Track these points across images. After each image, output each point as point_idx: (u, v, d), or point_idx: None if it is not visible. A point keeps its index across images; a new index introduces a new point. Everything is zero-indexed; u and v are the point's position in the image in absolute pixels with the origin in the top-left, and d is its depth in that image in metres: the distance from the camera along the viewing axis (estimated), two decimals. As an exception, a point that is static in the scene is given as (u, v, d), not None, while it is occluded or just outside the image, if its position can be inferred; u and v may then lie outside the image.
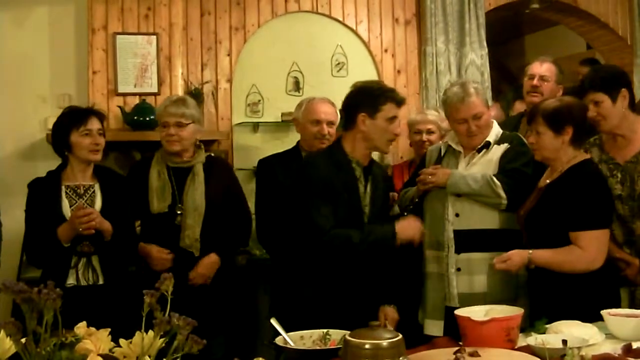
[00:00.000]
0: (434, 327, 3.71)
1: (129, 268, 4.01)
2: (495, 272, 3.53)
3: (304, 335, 2.84)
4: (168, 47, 5.35)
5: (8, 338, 1.32)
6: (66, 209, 3.80)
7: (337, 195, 3.54)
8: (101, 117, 3.93)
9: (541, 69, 4.71)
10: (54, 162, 4.95)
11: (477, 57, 5.95)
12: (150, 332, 1.49)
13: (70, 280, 3.75)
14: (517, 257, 3.33)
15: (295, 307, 3.56)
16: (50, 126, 5.09)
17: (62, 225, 3.72)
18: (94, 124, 3.85)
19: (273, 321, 2.85)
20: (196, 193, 4.03)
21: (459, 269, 3.70)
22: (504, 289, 3.61)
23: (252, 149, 5.57)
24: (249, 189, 4.75)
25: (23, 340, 1.32)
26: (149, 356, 1.41)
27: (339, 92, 5.59)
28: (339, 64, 5.90)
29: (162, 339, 1.49)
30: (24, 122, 5.24)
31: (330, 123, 4.41)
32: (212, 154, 4.41)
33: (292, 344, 2.75)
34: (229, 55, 5.63)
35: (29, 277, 4.47)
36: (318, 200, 3.51)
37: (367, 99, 3.61)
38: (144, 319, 1.48)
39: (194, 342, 1.44)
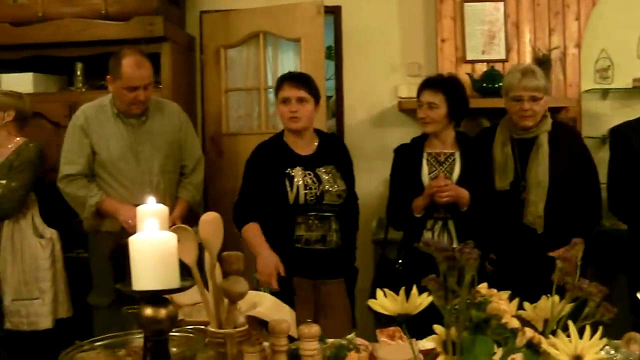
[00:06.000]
0: None
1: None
2: None
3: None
4: (515, 14, 5.27)
5: (419, 294, 1.36)
6: (425, 176, 3.89)
7: None
8: (436, 88, 3.95)
9: None
10: (402, 129, 5.14)
11: None
12: (556, 297, 1.47)
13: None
14: None
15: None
16: (401, 94, 5.28)
17: (417, 198, 3.82)
18: (424, 97, 3.90)
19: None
20: (539, 168, 3.89)
21: None
22: None
23: (601, 117, 5.34)
24: (598, 158, 4.54)
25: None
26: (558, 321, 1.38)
27: (696, 56, 5.24)
28: (697, 26, 5.46)
29: (570, 305, 1.46)
30: (375, 90, 5.44)
31: None
32: (559, 120, 4.25)
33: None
34: (577, 19, 5.40)
35: (378, 238, 4.63)
36: None
37: None
38: (554, 284, 1.46)
39: (606, 310, 1.40)
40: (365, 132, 5.43)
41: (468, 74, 5.11)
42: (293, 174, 3.81)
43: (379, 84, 5.42)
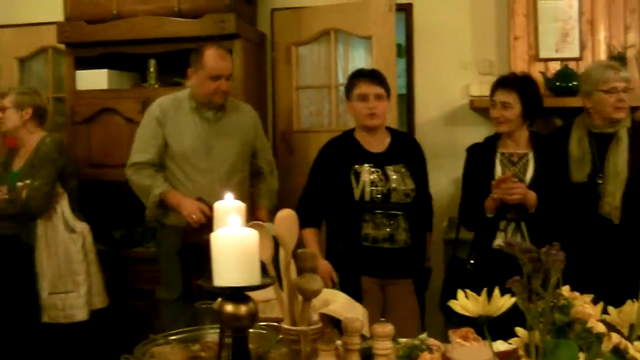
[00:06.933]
0: None
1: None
2: None
3: None
4: (590, 11, 5.16)
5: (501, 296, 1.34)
6: (498, 176, 3.83)
7: None
8: (509, 88, 3.91)
9: None
10: (474, 128, 5.09)
11: None
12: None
13: (497, 242, 3.81)
14: None
15: None
16: (472, 92, 5.23)
17: (488, 198, 3.78)
18: (499, 96, 3.88)
19: None
20: (618, 159, 3.87)
21: None
22: None
23: (680, 118, 5.20)
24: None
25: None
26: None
27: None
28: None
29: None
30: (446, 89, 5.38)
31: None
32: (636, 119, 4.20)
33: None
34: (652, 17, 5.29)
35: (449, 238, 4.61)
36: None
37: None
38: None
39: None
40: (436, 131, 5.38)
41: (541, 72, 5.02)
42: (360, 170, 3.82)
43: (450, 81, 5.36)
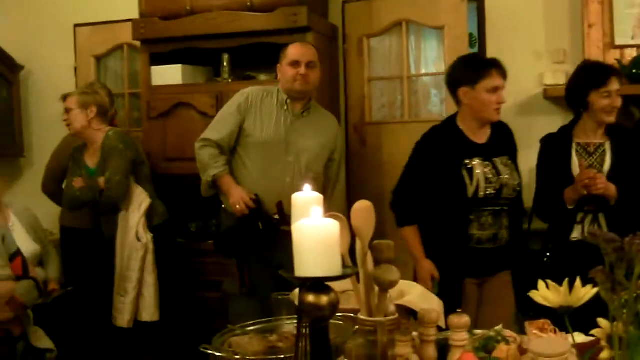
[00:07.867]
0: None
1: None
2: None
3: None
4: (662, -4, 5.05)
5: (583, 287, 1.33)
6: (575, 167, 3.79)
7: None
8: (621, 76, 3.82)
9: None
10: (549, 118, 5.03)
11: None
12: None
13: (575, 235, 3.76)
14: None
15: None
16: (546, 81, 5.16)
17: (568, 189, 3.72)
18: (614, 85, 3.75)
19: None
20: None
21: None
22: None
23: None
24: None
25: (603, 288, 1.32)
26: None
27: None
28: None
29: None
30: (519, 78, 5.26)
31: None
32: None
33: None
34: None
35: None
36: None
37: None
38: None
39: None
40: (509, 121, 5.12)
41: (617, 60, 4.91)
42: (472, 165, 3.65)
43: (524, 71, 5.26)
